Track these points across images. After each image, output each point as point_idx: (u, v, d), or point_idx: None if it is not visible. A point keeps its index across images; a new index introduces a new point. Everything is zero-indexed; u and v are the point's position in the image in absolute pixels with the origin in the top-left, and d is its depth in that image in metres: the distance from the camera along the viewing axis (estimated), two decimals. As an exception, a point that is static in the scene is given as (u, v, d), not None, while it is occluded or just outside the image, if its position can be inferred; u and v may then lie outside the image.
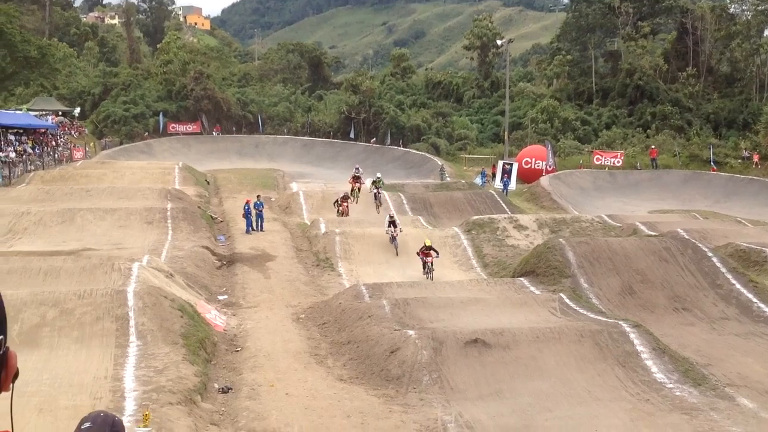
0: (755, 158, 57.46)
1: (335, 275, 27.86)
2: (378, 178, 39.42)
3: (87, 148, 62.00)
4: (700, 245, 26.13)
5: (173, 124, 72.05)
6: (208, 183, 48.95)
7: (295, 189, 47.06)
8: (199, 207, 37.93)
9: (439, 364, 16.96)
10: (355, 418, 14.60)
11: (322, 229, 33.19)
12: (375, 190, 39.61)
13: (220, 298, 24.42)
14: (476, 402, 15.47)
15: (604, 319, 20.10)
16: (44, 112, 67.06)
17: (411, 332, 18.18)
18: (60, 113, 70.81)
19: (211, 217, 37.35)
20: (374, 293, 22.38)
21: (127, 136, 69.65)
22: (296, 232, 34.81)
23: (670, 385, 16.16)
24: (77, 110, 74.85)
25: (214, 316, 21.28)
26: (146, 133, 70.41)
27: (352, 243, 30.61)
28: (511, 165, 54.32)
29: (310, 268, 28.76)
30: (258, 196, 36.16)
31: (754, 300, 22.47)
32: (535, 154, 57.89)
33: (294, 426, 14.07)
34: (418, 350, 17.30)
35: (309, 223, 36.03)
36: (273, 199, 42.12)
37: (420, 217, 37.89)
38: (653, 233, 30.98)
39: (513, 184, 52.19)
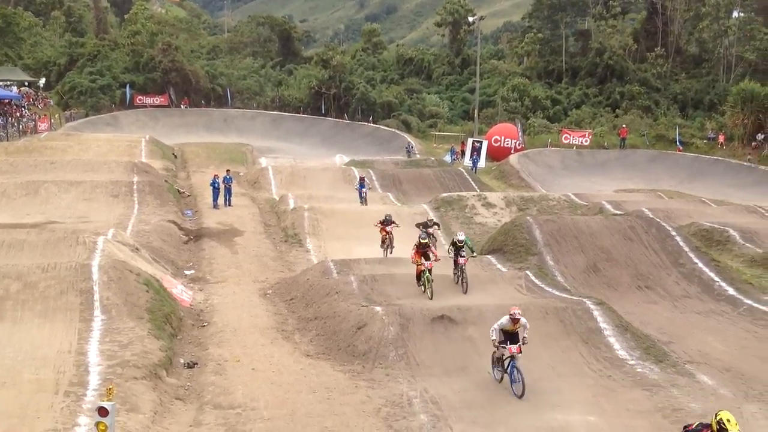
0: (720, 139, 58.20)
1: (303, 251, 27.82)
2: (461, 240, 20.97)
3: (52, 120, 60.96)
4: (664, 224, 26.47)
5: (140, 97, 71.05)
6: (176, 157, 48.45)
7: (264, 164, 46.77)
8: (166, 181, 37.57)
9: (406, 340, 17.06)
10: (321, 393, 14.67)
11: (291, 204, 33.08)
12: (457, 257, 21.28)
13: (187, 273, 24.28)
14: (442, 378, 15.60)
15: (569, 296, 20.34)
16: (8, 83, 65.73)
17: (378, 308, 18.26)
18: (25, 84, 69.45)
19: (178, 191, 37.04)
20: (342, 269, 22.39)
21: (93, 108, 68.55)
22: (265, 207, 34.66)
23: (632, 362, 16.43)
24: (42, 81, 73.43)
25: (180, 291, 21.17)
26: (113, 106, 69.36)
27: (321, 219, 30.55)
28: (481, 143, 54.46)
29: (278, 244, 28.68)
30: (227, 171, 35.90)
31: (716, 279, 22.85)
32: (505, 132, 58.07)
33: (260, 401, 14.10)
34: (385, 326, 17.38)
35: (277, 199, 35.89)
36: (241, 174, 41.83)
37: (389, 194, 37.91)
38: (619, 212, 31.32)
39: (482, 162, 52.36)
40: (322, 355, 17.05)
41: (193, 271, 24.50)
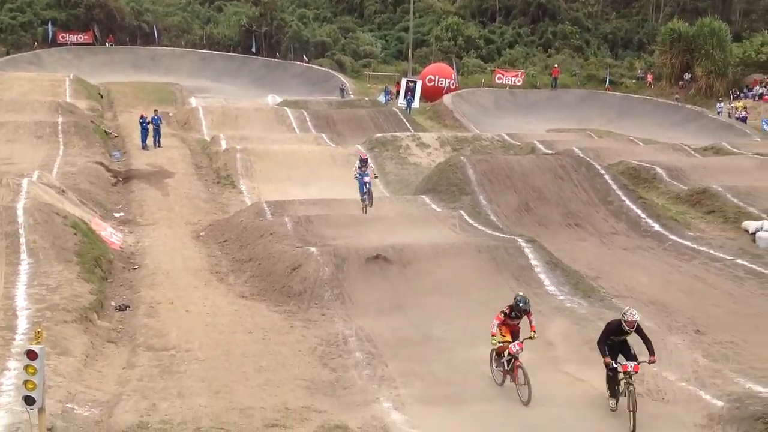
0: (649, 78, 59.23)
1: (236, 193, 27.49)
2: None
3: (-31, 58, 58.22)
4: (593, 163, 26.99)
5: (63, 34, 68.19)
6: (102, 96, 46.93)
7: (194, 104, 45.70)
8: (92, 121, 36.42)
9: (341, 280, 17.15)
10: (256, 333, 14.68)
11: (223, 145, 32.53)
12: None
13: (116, 215, 23.79)
14: (377, 316, 15.77)
15: (501, 234, 20.69)
16: None
17: (313, 249, 18.25)
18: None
19: (105, 132, 35.99)
20: (276, 211, 22.25)
21: (14, 46, 65.58)
22: (196, 148, 34.00)
23: (561, 297, 16.87)
24: (-43, 17, 69.82)
25: (109, 233, 20.75)
26: (35, 44, 66.52)
27: (254, 160, 30.14)
28: (415, 83, 54.18)
29: (211, 186, 28.27)
30: (155, 111, 34.97)
31: (643, 215, 23.50)
32: (439, 72, 57.87)
33: (194, 342, 14.03)
34: (320, 267, 17.41)
35: (209, 140, 35.22)
36: (171, 114, 40.79)
37: (323, 135, 37.56)
38: (550, 152, 31.75)
39: (416, 102, 52.18)
40: (257, 296, 17.02)
41: (122, 214, 24.00)
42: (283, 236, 19.53)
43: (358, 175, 23.18)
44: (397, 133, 36.48)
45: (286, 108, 44.23)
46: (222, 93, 54.26)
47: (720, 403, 11.64)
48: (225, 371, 12.87)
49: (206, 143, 34.74)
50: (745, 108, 49.51)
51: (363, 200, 22.99)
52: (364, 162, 23.77)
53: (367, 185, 23.01)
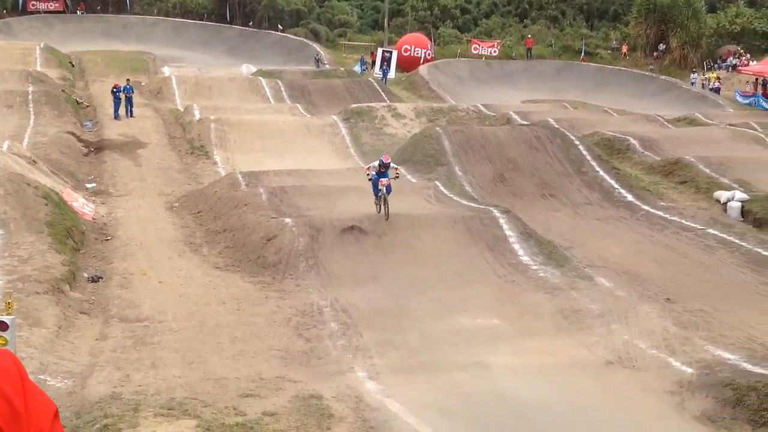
0: (624, 49, 59.31)
1: (210, 163, 27.27)
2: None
3: (-65, 26, 56.96)
4: (568, 134, 27.08)
5: (33, 2, 66.86)
6: (73, 65, 46.15)
7: (167, 73, 45.10)
8: (63, 91, 35.82)
9: (316, 251, 17.13)
10: (230, 304, 14.65)
11: (197, 115, 32.18)
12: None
13: (88, 186, 23.52)
14: (352, 287, 15.79)
15: (476, 205, 20.75)
16: None
17: (288, 220, 18.20)
18: None
19: (77, 101, 35.45)
20: (251, 181, 22.12)
21: (-20, 14, 64.28)
22: (169, 118, 33.60)
23: (535, 267, 16.98)
24: None
25: (81, 204, 20.53)
26: (4, 11, 65.21)
27: (228, 131, 29.88)
28: (391, 53, 53.86)
29: (184, 156, 28.01)
30: (127, 80, 34.46)
31: (616, 186, 23.66)
32: (415, 42, 57.55)
33: (168, 313, 13.98)
34: (294, 238, 17.37)
35: (182, 110, 34.81)
36: (143, 84, 40.24)
37: (298, 105, 37.28)
38: (525, 123, 31.79)
39: (392, 73, 51.93)
40: (231, 267, 16.96)
41: (94, 185, 23.74)
42: (258, 207, 19.44)
43: (373, 176, 18.88)
44: (373, 104, 36.29)
45: (260, 78, 43.80)
46: (195, 62, 53.58)
47: (689, 370, 11.83)
48: (199, 342, 12.85)
49: (179, 113, 34.35)
50: (718, 79, 49.81)
51: (377, 202, 18.98)
52: (385, 166, 19.06)
53: (385, 188, 18.70)
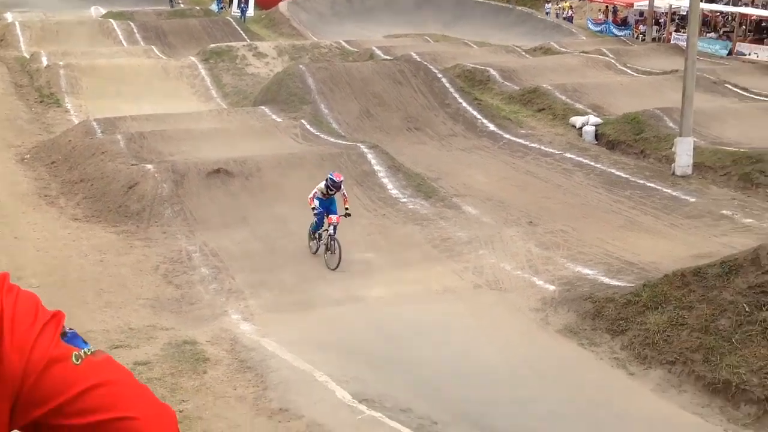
0: (481, -18, 60.16)
1: (62, 111, 25.82)
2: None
3: None
4: (431, 67, 27.30)
5: None
6: None
7: (10, 19, 42.22)
8: None
9: (181, 196, 16.68)
10: (93, 256, 14.11)
11: (44, 62, 30.32)
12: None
13: (-73, 142, 21.84)
14: (221, 231, 15.53)
15: (344, 142, 20.72)
16: None
17: (149, 166, 17.59)
18: None
19: None
20: (107, 128, 21.15)
21: None
22: (14, 66, 31.48)
23: (404, 200, 17.22)
24: None
25: None
26: None
27: (80, 77, 28.32)
28: (249, -10, 52.34)
29: (33, 105, 26.39)
30: (-37, 27, 31.98)
31: (478, 117, 24.17)
32: (273, -21, 56.14)
33: (26, 269, 13.30)
34: (158, 184, 16.83)
35: (29, 57, 32.70)
36: (-18, 31, 37.49)
37: (153, 47, 35.76)
38: (388, 57, 31.79)
39: (251, 11, 50.54)
40: (91, 218, 16.27)
41: (-66, 140, 22.07)
42: (116, 154, 18.64)
43: (317, 205, 14.25)
44: (233, 43, 35.26)
45: (111, 20, 41.66)
46: (40, 6, 50.22)
47: (552, 287, 12.42)
48: (62, 297, 12.29)
49: (26, 60, 32.24)
50: (571, 8, 51.40)
51: (314, 238, 14.60)
52: (335, 185, 14.43)
53: (332, 227, 14.14)
